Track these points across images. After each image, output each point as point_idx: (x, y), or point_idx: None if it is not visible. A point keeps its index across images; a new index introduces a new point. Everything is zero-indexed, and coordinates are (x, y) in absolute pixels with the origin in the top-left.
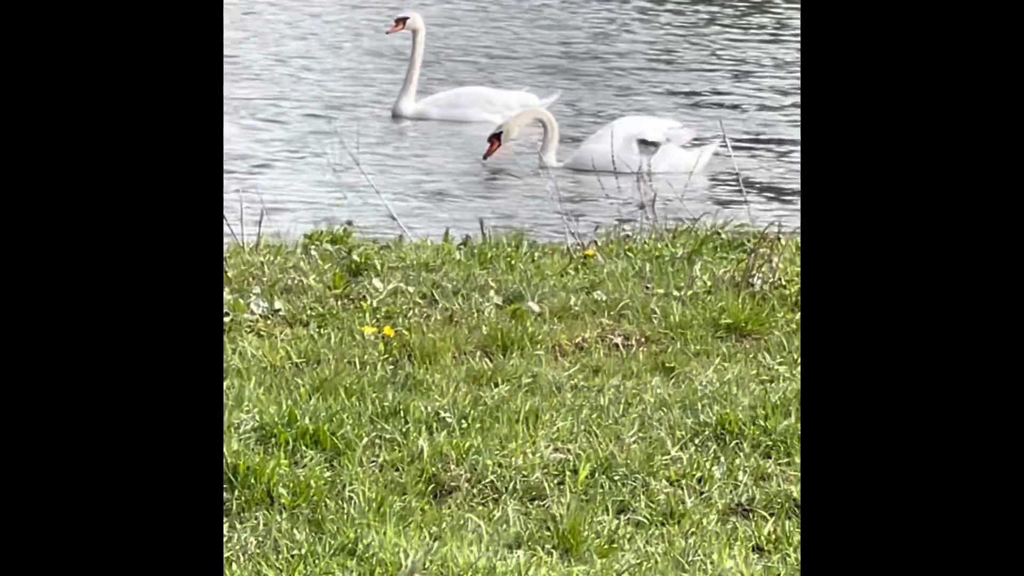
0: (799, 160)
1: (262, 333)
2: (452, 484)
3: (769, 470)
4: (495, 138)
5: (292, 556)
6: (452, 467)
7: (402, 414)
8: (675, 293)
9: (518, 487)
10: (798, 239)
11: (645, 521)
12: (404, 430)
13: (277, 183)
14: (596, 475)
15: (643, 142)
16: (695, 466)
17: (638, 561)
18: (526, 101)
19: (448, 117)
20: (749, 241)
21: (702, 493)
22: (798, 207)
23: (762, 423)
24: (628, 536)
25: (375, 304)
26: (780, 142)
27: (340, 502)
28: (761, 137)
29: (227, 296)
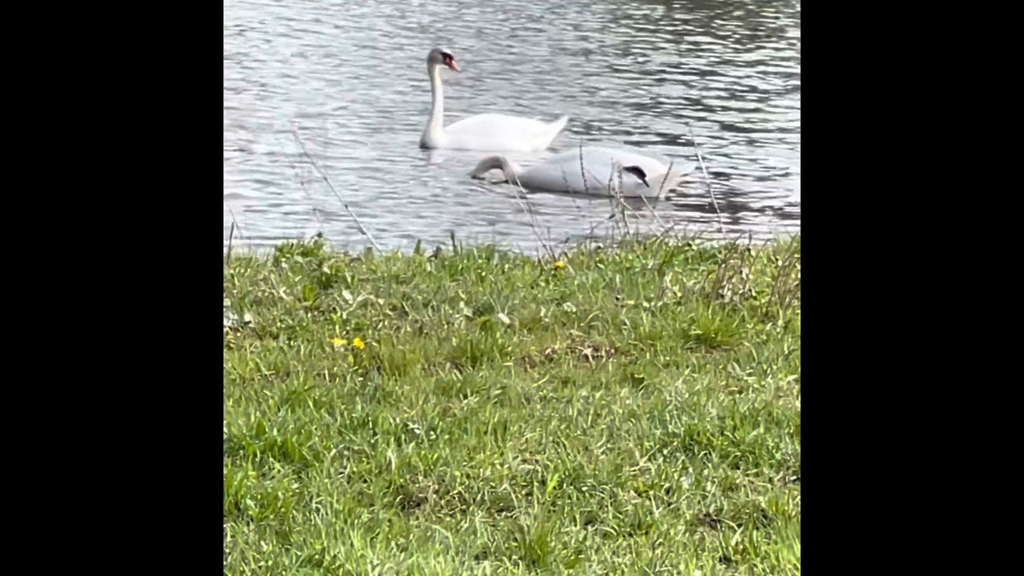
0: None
1: (232, 345)
2: (420, 495)
3: (737, 481)
4: None
5: (259, 567)
6: (420, 478)
7: (371, 426)
8: (645, 304)
9: (486, 498)
10: (769, 250)
11: (613, 532)
12: (372, 442)
13: (248, 197)
14: (564, 486)
15: (629, 170)
16: (663, 477)
17: (605, 572)
18: (538, 129)
19: (485, 147)
20: (719, 252)
21: (670, 504)
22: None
23: (731, 434)
24: (595, 547)
25: (345, 316)
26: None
27: (307, 513)
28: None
29: None
